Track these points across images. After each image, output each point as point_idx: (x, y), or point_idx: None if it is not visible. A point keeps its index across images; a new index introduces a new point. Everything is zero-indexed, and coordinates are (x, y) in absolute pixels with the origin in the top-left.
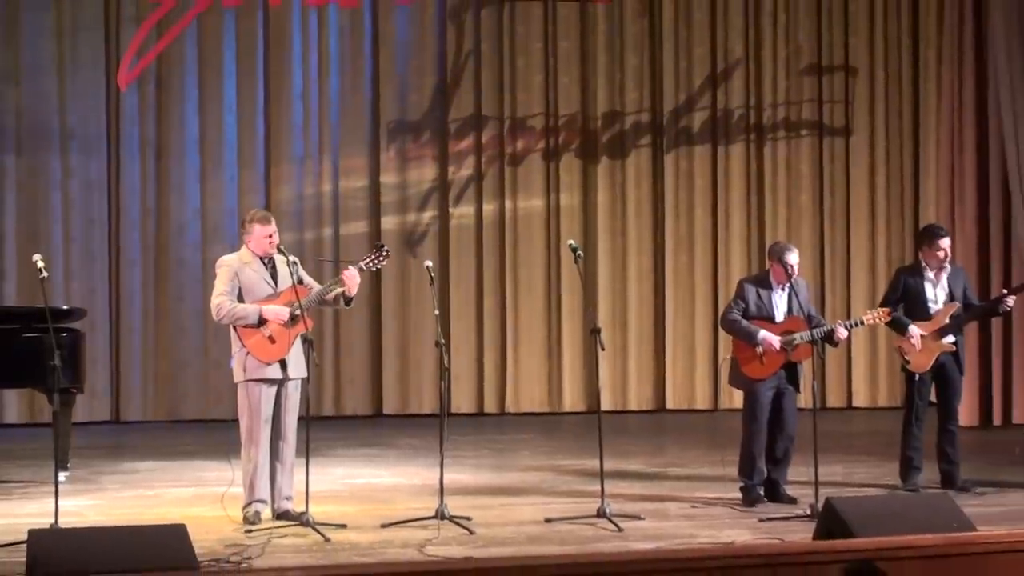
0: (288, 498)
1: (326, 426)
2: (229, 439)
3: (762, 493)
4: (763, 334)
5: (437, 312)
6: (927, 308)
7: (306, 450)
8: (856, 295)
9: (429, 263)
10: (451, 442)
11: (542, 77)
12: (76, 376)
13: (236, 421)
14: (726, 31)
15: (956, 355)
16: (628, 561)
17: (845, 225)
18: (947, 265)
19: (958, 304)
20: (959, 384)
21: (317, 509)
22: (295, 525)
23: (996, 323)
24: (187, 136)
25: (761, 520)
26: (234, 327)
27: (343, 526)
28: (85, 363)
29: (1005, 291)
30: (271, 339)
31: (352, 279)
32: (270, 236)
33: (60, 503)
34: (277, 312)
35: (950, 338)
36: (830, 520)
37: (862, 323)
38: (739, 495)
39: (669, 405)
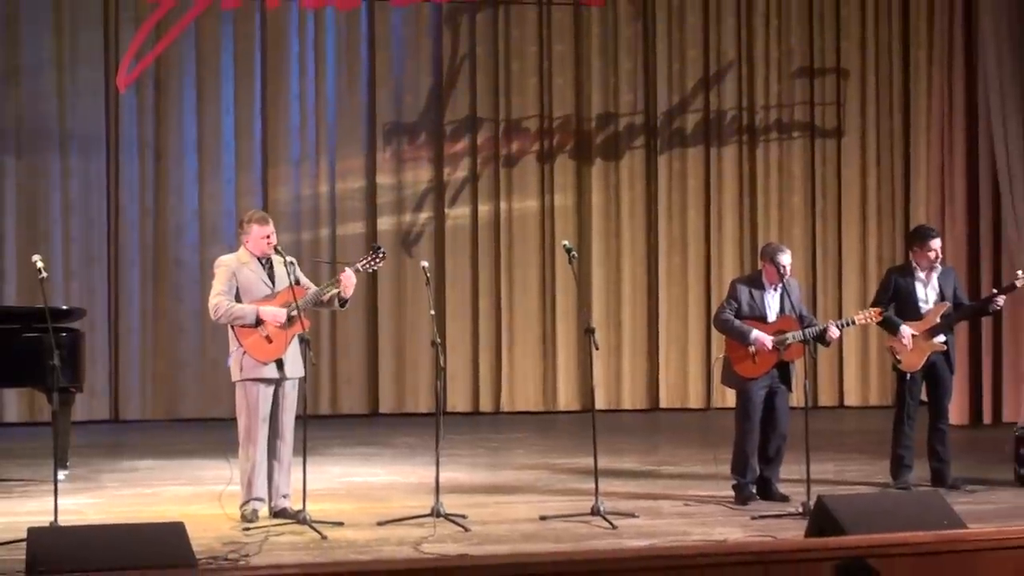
0: (285, 496)
1: (323, 425)
2: (227, 438)
3: (754, 491)
4: (756, 333)
5: (433, 312)
6: (918, 308)
7: (303, 449)
8: (847, 295)
9: (425, 263)
10: (447, 441)
11: (536, 79)
12: (75, 375)
13: (234, 420)
14: (719, 34)
15: (947, 354)
16: (622, 558)
17: (836, 226)
18: (938, 265)
19: (948, 304)
20: (949, 383)
21: (314, 507)
22: (292, 523)
23: (986, 323)
24: (185, 137)
25: (753, 518)
26: (232, 327)
27: (340, 524)
28: (84, 363)
29: (995, 291)
30: (268, 339)
31: (348, 280)
32: (268, 237)
33: (60, 501)
34: (274, 314)
35: (941, 337)
36: (822, 518)
37: (854, 323)
38: (732, 493)
39: (662, 404)
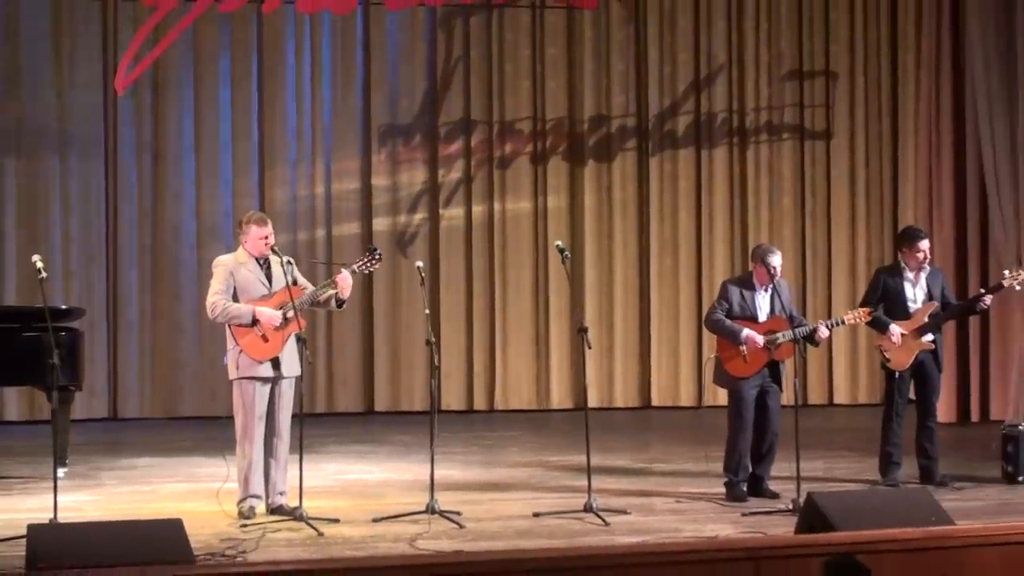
0: (282, 493)
1: (319, 423)
2: (224, 436)
3: (745, 488)
4: (747, 333)
5: (427, 311)
6: (907, 307)
7: (299, 446)
8: (837, 295)
9: (419, 264)
10: (441, 439)
11: (530, 82)
12: (75, 374)
13: (231, 418)
14: (709, 37)
15: (935, 353)
16: (614, 555)
17: (826, 227)
18: (926, 266)
19: (936, 304)
20: (938, 381)
21: (310, 504)
22: (289, 520)
23: (974, 322)
24: (183, 140)
25: (744, 515)
26: (229, 326)
27: (336, 521)
28: (83, 361)
29: (983, 290)
30: (264, 338)
31: (345, 282)
32: (266, 237)
33: (59, 498)
34: (270, 316)
35: (929, 337)
36: (812, 514)
37: (843, 323)
38: (723, 490)
39: (654, 402)
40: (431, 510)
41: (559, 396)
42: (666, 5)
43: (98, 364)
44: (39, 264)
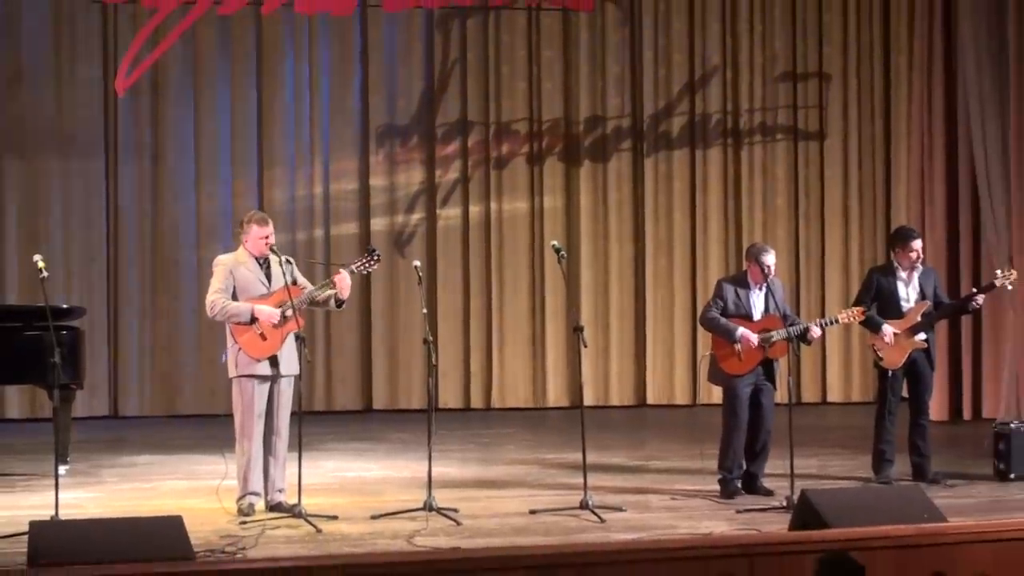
0: (281, 490)
1: (318, 421)
2: (224, 434)
3: (740, 486)
4: (742, 331)
5: (425, 310)
6: (899, 307)
7: (298, 444)
8: (830, 295)
9: (417, 263)
10: (439, 436)
11: (526, 84)
12: (76, 373)
13: (231, 416)
14: (704, 39)
15: (927, 352)
16: (610, 551)
17: (819, 227)
18: (919, 265)
19: (929, 303)
20: (930, 380)
21: (309, 501)
22: (288, 517)
23: (966, 321)
24: (183, 140)
25: (739, 512)
26: (228, 324)
27: (334, 518)
28: (84, 360)
29: (975, 289)
30: (262, 336)
31: (343, 282)
32: (266, 237)
33: (60, 495)
34: (269, 314)
35: (921, 335)
36: (805, 512)
37: (837, 321)
38: (718, 487)
39: (650, 400)
40: (429, 507)
41: (555, 394)
42: (661, 7)
43: (99, 362)
44: (40, 264)
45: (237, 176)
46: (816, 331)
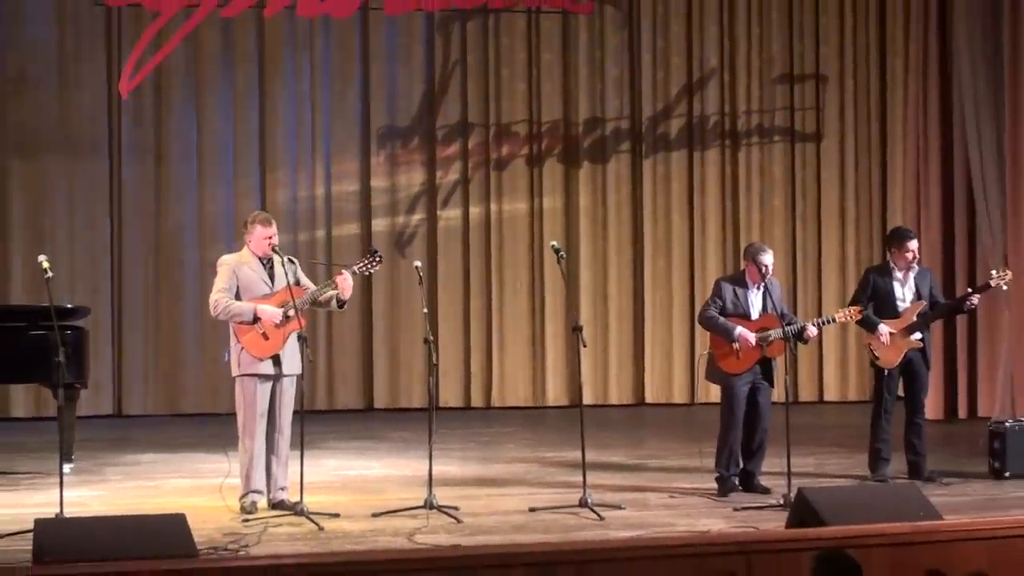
0: (283, 488)
1: (320, 420)
2: (227, 432)
3: (737, 484)
4: (740, 330)
5: (425, 310)
6: (895, 307)
7: (300, 443)
8: (827, 294)
9: (418, 263)
10: (439, 435)
11: (526, 86)
12: (80, 372)
13: (233, 415)
14: (702, 42)
15: (923, 351)
16: (609, 549)
17: (816, 227)
18: (915, 265)
19: (925, 303)
20: (926, 379)
21: (311, 499)
22: (290, 514)
23: (961, 321)
24: (186, 142)
25: (736, 509)
26: (231, 323)
27: (336, 515)
28: (89, 359)
29: (970, 289)
30: (264, 336)
31: (345, 283)
32: (270, 238)
33: (65, 493)
34: (271, 313)
35: (917, 335)
36: (802, 509)
37: (834, 321)
38: (715, 485)
39: (648, 399)
40: (429, 505)
41: (555, 393)
42: (659, 11)
43: (103, 362)
44: (45, 264)
45: (239, 177)
46: (812, 330)
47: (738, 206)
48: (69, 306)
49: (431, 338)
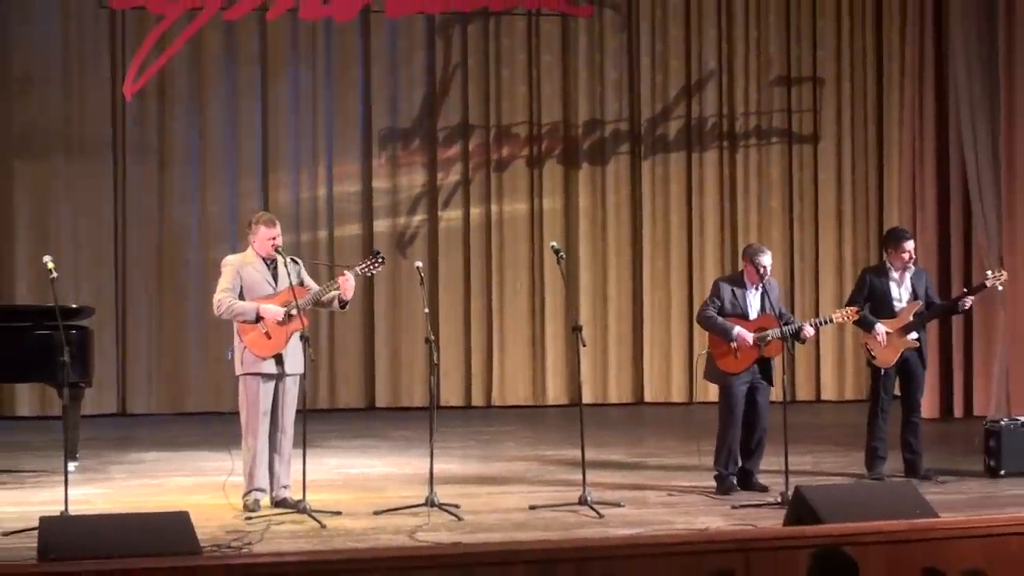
0: (286, 487)
1: (322, 419)
2: (230, 431)
3: (735, 482)
4: (738, 330)
5: (427, 311)
6: (892, 307)
7: (303, 441)
8: (824, 295)
9: (419, 264)
10: (440, 434)
11: (526, 88)
12: (85, 371)
13: (236, 414)
14: (700, 45)
15: (919, 351)
16: (609, 546)
17: (813, 228)
18: (911, 266)
19: (921, 303)
20: (922, 378)
21: (313, 497)
22: (292, 512)
23: (957, 320)
24: (189, 143)
25: (734, 507)
26: (234, 323)
27: (338, 513)
28: (93, 359)
29: (965, 290)
30: (267, 335)
31: (347, 284)
32: (273, 238)
33: (70, 491)
34: (273, 312)
35: (913, 335)
36: (800, 507)
37: (831, 321)
38: (714, 483)
39: (647, 398)
40: (430, 503)
41: (554, 392)
42: (658, 14)
43: (107, 361)
44: (50, 264)
45: (242, 178)
46: (809, 330)
47: (736, 207)
48: (74, 306)
49: (432, 338)
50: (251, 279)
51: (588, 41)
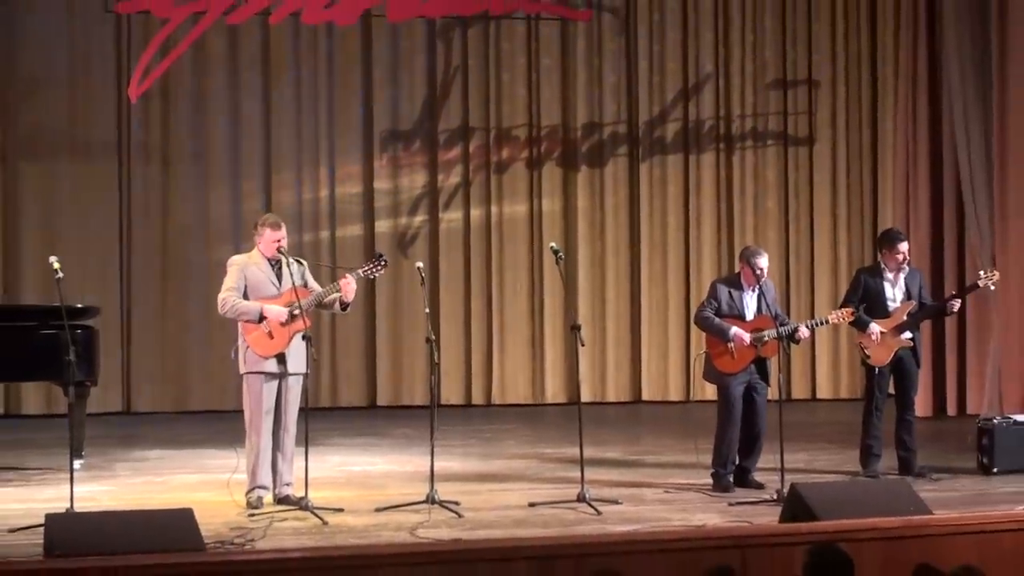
0: (288, 484)
1: (324, 417)
2: (233, 429)
3: (732, 480)
4: (735, 330)
5: (427, 310)
6: (886, 307)
7: (305, 439)
8: (819, 295)
9: (420, 264)
10: (441, 432)
11: (525, 91)
12: (90, 370)
13: (240, 412)
14: (697, 48)
15: (913, 350)
16: (607, 543)
17: (809, 230)
18: (905, 267)
19: (915, 303)
20: (916, 377)
21: (316, 494)
22: (295, 509)
23: (951, 320)
24: (193, 144)
25: (731, 504)
26: (238, 322)
27: (340, 510)
28: (99, 358)
29: (954, 292)
30: (270, 335)
31: (349, 286)
32: (278, 241)
33: (75, 489)
34: (276, 312)
35: (907, 334)
36: (795, 504)
37: (826, 322)
38: (710, 481)
39: (645, 397)
40: (431, 500)
41: (553, 391)
42: (655, 18)
43: (112, 360)
44: (56, 264)
45: (245, 179)
46: (804, 331)
47: (732, 208)
48: (79, 306)
49: (433, 337)
50: (255, 279)
51: (587, 45)
